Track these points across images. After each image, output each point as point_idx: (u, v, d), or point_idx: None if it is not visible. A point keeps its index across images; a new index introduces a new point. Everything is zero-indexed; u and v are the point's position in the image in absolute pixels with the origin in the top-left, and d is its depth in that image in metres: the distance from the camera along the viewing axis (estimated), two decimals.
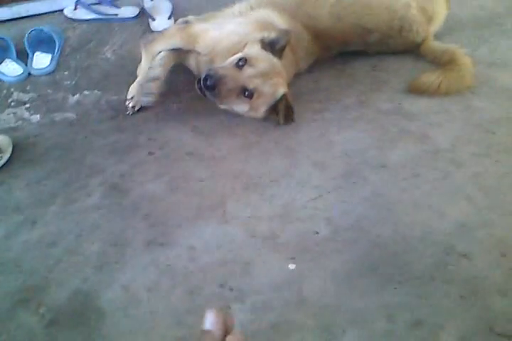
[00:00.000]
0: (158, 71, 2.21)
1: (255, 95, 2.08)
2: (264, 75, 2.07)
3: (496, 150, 1.99)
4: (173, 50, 2.29)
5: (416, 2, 2.50)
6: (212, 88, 2.01)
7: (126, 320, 1.48)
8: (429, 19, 2.55)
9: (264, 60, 2.10)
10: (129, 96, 2.32)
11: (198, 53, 2.30)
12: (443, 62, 2.43)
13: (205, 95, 2.08)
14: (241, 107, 2.14)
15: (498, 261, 1.57)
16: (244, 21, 2.35)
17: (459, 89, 2.30)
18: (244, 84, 2.05)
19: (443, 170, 1.92)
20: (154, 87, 2.19)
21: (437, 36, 2.67)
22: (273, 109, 2.15)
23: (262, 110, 2.15)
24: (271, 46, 2.14)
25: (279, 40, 2.13)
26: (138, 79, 2.35)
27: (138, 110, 2.32)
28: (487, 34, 2.73)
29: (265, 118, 2.20)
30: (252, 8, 2.46)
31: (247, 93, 2.06)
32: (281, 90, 2.12)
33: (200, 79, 2.04)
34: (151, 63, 2.25)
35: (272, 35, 2.15)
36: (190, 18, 2.47)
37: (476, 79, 2.33)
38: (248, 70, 2.05)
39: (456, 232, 1.67)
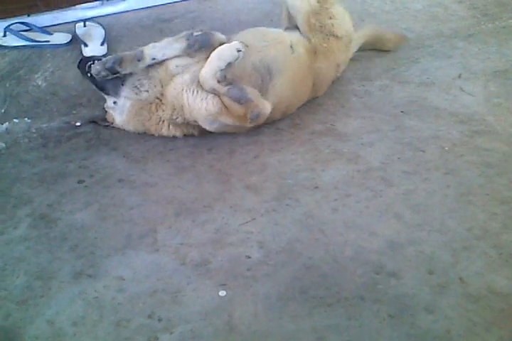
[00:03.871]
0: None
1: None
2: None
3: (425, 168, 2.03)
4: None
5: None
6: None
7: None
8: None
9: None
10: None
11: None
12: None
13: None
14: None
15: (425, 278, 1.59)
16: None
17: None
18: None
19: (374, 190, 1.94)
20: None
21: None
22: None
23: None
24: None
25: None
26: None
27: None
28: (417, 55, 2.81)
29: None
30: None
31: None
32: None
33: None
34: None
35: None
36: None
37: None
38: None
39: (385, 251, 1.69)
